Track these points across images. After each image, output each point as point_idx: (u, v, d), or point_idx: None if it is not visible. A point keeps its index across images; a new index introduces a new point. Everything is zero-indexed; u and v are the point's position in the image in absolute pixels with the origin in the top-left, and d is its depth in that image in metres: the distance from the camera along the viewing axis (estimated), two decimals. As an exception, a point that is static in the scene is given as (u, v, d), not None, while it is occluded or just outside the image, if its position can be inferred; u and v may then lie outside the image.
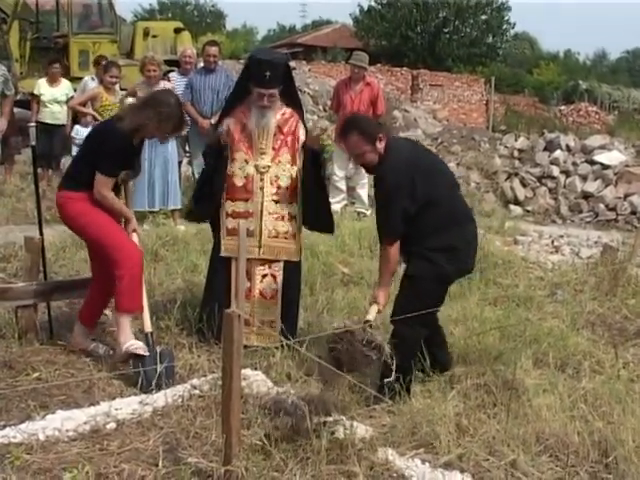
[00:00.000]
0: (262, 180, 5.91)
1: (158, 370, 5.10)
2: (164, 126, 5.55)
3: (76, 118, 12.63)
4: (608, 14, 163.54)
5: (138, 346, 5.36)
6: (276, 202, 5.93)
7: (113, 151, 5.45)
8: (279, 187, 5.94)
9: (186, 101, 10.54)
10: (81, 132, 12.31)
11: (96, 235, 5.55)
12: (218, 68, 10.92)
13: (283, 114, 5.99)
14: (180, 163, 11.27)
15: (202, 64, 11.36)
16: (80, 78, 14.40)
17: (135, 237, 5.71)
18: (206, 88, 10.66)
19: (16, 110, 13.02)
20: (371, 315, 5.12)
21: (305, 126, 6.18)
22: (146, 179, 10.07)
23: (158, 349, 5.41)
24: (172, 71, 12.21)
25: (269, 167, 5.91)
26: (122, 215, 5.72)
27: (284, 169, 5.93)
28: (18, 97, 13.29)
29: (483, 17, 45.51)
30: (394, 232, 5.14)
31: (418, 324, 5.06)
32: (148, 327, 5.51)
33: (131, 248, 5.54)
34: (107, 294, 5.75)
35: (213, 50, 10.86)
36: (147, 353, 5.31)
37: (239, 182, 5.92)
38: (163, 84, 10.37)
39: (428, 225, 5.12)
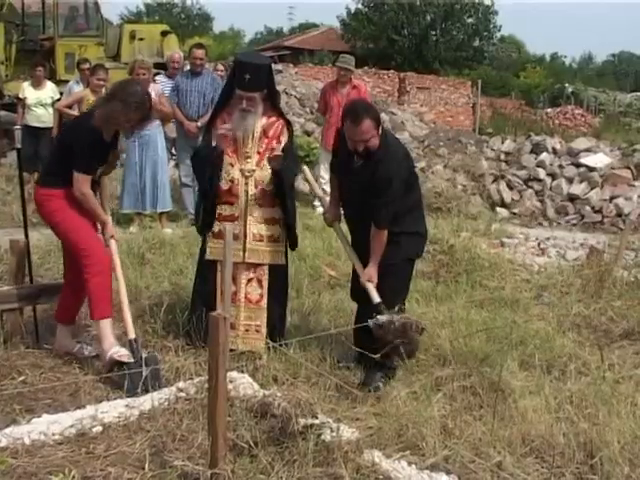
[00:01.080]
0: (247, 184, 5.90)
1: (143, 375, 5.09)
2: (132, 116, 5.49)
3: (62, 121, 12.61)
4: (594, 18, 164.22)
5: (122, 353, 5.35)
6: (260, 205, 5.92)
7: (85, 147, 5.41)
8: (263, 190, 5.92)
9: (172, 103, 10.54)
10: (67, 135, 12.26)
11: (67, 235, 5.57)
12: (204, 71, 10.93)
13: (269, 117, 5.98)
14: None
15: (188, 67, 11.37)
16: (66, 81, 14.39)
17: (113, 244, 5.70)
18: (192, 91, 10.64)
19: (2, 113, 12.98)
20: (376, 295, 5.35)
21: (291, 131, 6.17)
22: (137, 181, 10.08)
23: (144, 354, 5.39)
24: (159, 74, 12.17)
25: (254, 171, 5.90)
26: (98, 220, 5.68)
27: (268, 173, 5.92)
28: (4, 100, 13.23)
29: (470, 20, 45.61)
30: (390, 216, 5.37)
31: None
32: (132, 333, 5.49)
33: (99, 252, 5.52)
34: (80, 291, 5.71)
35: (199, 53, 10.85)
36: (131, 360, 5.30)
37: (224, 185, 5.91)
38: (152, 87, 10.34)
39: (406, 207, 5.52)
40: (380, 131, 5.36)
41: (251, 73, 5.71)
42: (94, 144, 5.44)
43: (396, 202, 5.37)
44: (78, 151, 5.40)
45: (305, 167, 5.93)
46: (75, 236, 5.51)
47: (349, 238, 5.83)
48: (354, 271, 5.86)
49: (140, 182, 10.15)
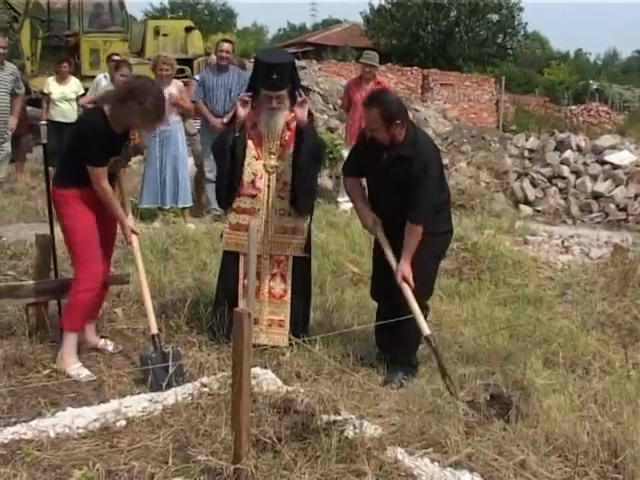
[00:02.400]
0: (269, 179, 5.92)
1: (167, 370, 5.12)
2: (146, 118, 5.46)
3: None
4: (619, 14, 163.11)
5: (83, 375, 5.37)
6: (282, 198, 5.93)
7: (94, 140, 5.35)
8: (285, 183, 5.93)
9: (198, 100, 10.55)
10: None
11: (72, 243, 5.55)
12: (231, 66, 10.87)
13: (291, 111, 5.99)
14: None
15: (214, 58, 11.35)
16: (91, 77, 14.47)
17: (135, 239, 5.68)
18: (218, 86, 10.61)
19: (28, 109, 13.06)
20: (426, 327, 5.36)
21: (312, 118, 6.15)
22: (157, 176, 10.10)
23: (170, 349, 5.41)
24: (183, 70, 12.21)
25: (277, 167, 5.91)
26: (114, 216, 5.63)
27: (289, 164, 5.92)
28: (30, 96, 13.31)
29: (495, 17, 45.40)
30: (427, 211, 5.37)
31: None
32: (154, 329, 5.52)
33: (95, 274, 5.50)
34: (105, 285, 5.77)
35: (226, 46, 10.80)
36: (92, 378, 5.33)
37: (247, 178, 5.91)
38: (174, 83, 10.38)
39: (435, 206, 5.50)
40: (397, 131, 5.31)
41: (278, 72, 5.70)
42: (103, 137, 5.38)
43: (433, 197, 5.36)
44: (88, 145, 5.35)
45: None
46: (76, 246, 5.50)
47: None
48: (375, 270, 5.86)
49: (160, 177, 10.17)
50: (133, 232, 5.68)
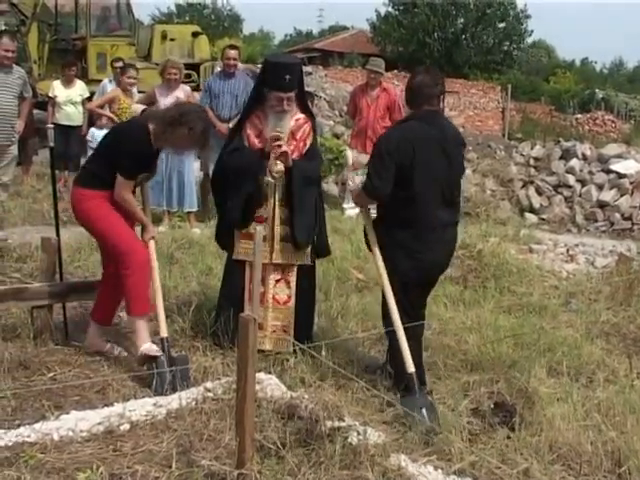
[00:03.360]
0: (276, 186, 5.92)
1: (171, 374, 5.13)
2: (195, 143, 5.64)
3: (92, 120, 12.72)
4: (625, 23, 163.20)
5: (152, 349, 5.39)
6: (287, 206, 5.93)
7: (134, 154, 5.47)
8: (289, 192, 5.93)
9: (205, 105, 10.55)
10: (96, 135, 12.38)
11: (104, 233, 5.59)
12: (237, 73, 10.86)
13: (297, 120, 5.99)
14: None
15: (219, 68, 11.39)
16: (98, 80, 14.52)
17: (152, 244, 5.73)
18: (225, 92, 10.60)
19: (35, 112, 13.09)
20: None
21: (315, 133, 6.18)
22: (163, 179, 10.12)
23: (174, 354, 5.43)
24: (190, 75, 12.23)
25: (283, 172, 5.91)
26: (139, 221, 5.74)
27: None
28: (37, 99, 13.34)
29: (501, 25, 45.41)
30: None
31: None
32: (164, 332, 5.53)
33: (138, 249, 5.56)
34: (119, 291, 5.74)
35: (233, 53, 10.81)
36: (160, 354, 5.35)
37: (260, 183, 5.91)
38: (182, 88, 10.42)
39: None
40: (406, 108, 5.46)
41: (290, 73, 5.73)
42: (142, 152, 5.51)
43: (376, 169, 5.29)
44: (126, 157, 5.45)
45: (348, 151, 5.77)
46: (112, 234, 5.54)
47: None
48: None
49: (166, 181, 10.20)
50: (152, 237, 5.77)
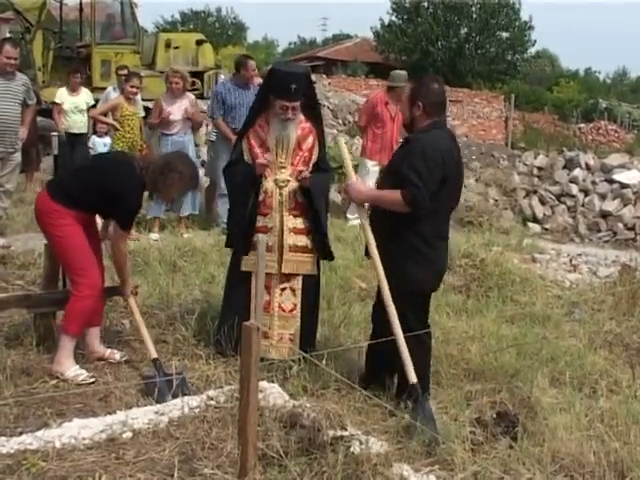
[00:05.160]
0: (281, 195, 5.91)
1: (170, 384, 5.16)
2: (187, 185, 5.75)
3: (95, 128, 12.76)
4: (629, 33, 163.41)
5: (83, 377, 5.45)
6: (295, 216, 5.93)
7: (132, 206, 5.61)
8: (297, 202, 5.94)
9: (218, 117, 10.49)
10: (97, 143, 12.42)
11: (67, 252, 5.55)
12: (251, 85, 10.66)
13: (303, 129, 5.99)
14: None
15: (222, 77, 11.35)
16: (102, 88, 14.54)
17: (132, 300, 5.85)
18: (241, 105, 10.44)
19: (39, 119, 13.11)
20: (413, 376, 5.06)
21: (323, 143, 6.18)
22: None
23: (169, 371, 5.42)
24: (194, 83, 12.21)
25: (288, 181, 5.91)
26: (121, 277, 5.82)
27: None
28: (41, 106, 13.37)
29: (505, 35, 45.49)
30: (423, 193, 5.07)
31: None
32: (153, 354, 5.59)
33: (95, 278, 5.59)
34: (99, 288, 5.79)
35: (253, 64, 10.68)
36: (91, 380, 5.42)
37: (259, 197, 5.93)
38: (186, 96, 10.44)
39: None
40: (418, 113, 5.22)
41: (297, 82, 5.73)
42: (140, 206, 5.74)
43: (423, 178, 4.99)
44: (126, 210, 5.56)
45: (340, 139, 5.68)
46: (74, 254, 5.53)
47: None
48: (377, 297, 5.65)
49: None
50: (133, 293, 5.90)
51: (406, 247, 5.14)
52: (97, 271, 5.62)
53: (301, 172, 5.90)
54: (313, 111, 6.11)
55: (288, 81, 5.71)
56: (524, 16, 46.29)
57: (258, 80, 10.52)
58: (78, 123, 12.99)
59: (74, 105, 13.01)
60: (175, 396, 5.06)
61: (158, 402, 5.05)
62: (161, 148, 10.25)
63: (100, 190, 5.48)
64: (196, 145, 11.48)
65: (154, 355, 5.57)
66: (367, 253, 5.40)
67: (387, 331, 5.08)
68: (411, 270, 5.16)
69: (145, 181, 5.55)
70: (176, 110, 10.29)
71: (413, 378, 4.95)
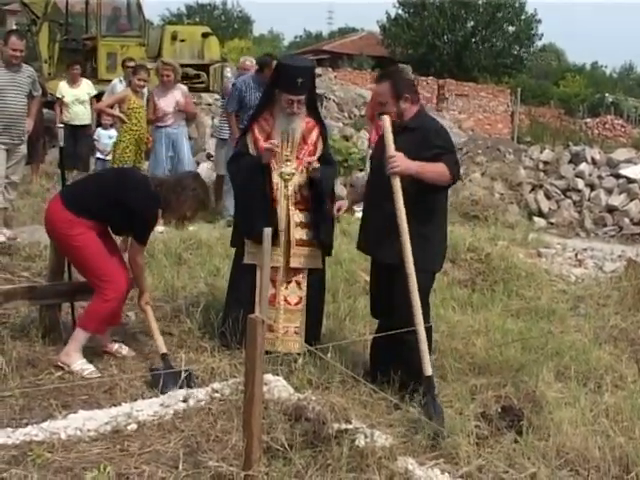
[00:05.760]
0: (286, 188, 5.91)
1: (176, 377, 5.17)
2: (198, 205, 5.75)
3: (100, 120, 12.77)
4: (636, 28, 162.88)
5: (90, 371, 5.45)
6: (301, 210, 5.93)
7: (152, 222, 5.66)
8: (302, 195, 5.93)
9: (232, 112, 10.41)
10: (103, 136, 12.43)
11: (88, 259, 5.55)
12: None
13: (307, 123, 5.99)
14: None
15: (229, 69, 11.33)
16: (107, 80, 14.55)
17: (149, 309, 5.81)
18: (256, 100, 10.37)
19: (44, 111, 13.12)
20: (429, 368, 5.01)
21: (326, 136, 6.18)
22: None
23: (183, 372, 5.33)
24: (199, 76, 12.21)
25: (293, 174, 5.91)
26: (139, 287, 5.83)
27: (307, 177, 5.93)
28: (46, 98, 13.38)
29: (511, 28, 45.36)
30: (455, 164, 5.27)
31: None
32: (163, 349, 5.61)
33: (120, 280, 5.61)
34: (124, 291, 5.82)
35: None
36: (97, 375, 5.42)
37: (267, 188, 5.91)
38: (178, 87, 10.45)
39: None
40: (406, 106, 5.31)
41: (303, 76, 5.72)
42: (156, 223, 5.76)
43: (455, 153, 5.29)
44: (143, 225, 5.61)
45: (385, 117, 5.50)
46: (95, 262, 5.53)
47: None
48: (373, 286, 5.73)
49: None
50: (147, 303, 5.85)
51: (417, 231, 5.03)
52: (121, 273, 5.64)
53: (310, 164, 5.91)
54: (314, 105, 6.11)
55: (294, 75, 5.71)
56: (529, 9, 46.19)
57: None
58: (80, 115, 13.01)
59: (75, 97, 13.03)
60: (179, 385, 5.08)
61: (163, 393, 5.06)
62: (155, 140, 10.28)
63: (119, 205, 5.50)
64: (190, 138, 11.47)
65: (163, 350, 5.60)
66: (359, 247, 5.65)
67: (391, 324, 5.10)
68: (423, 252, 5.08)
69: (160, 197, 5.58)
70: (168, 102, 10.30)
71: (428, 371, 4.93)
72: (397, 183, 4.98)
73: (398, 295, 5.17)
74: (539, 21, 46.32)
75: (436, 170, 5.08)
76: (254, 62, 11.19)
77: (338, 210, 5.81)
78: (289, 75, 5.75)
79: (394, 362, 5.39)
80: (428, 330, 5.18)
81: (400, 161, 4.98)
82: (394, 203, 4.98)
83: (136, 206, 5.49)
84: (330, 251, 6.24)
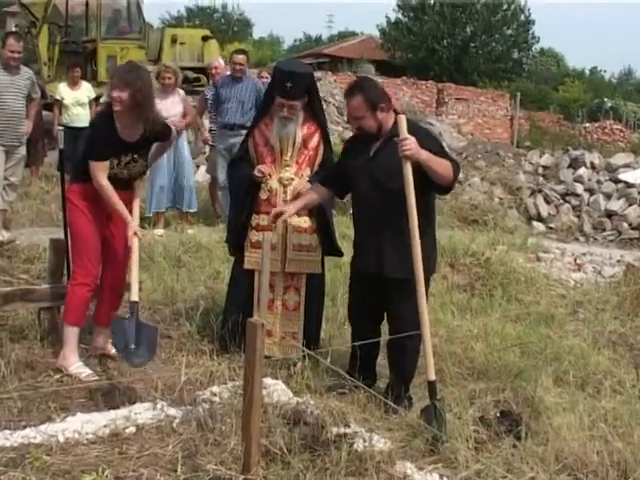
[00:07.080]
0: (285, 193, 5.91)
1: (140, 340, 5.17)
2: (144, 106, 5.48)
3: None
4: (635, 32, 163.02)
5: (86, 374, 5.46)
6: (299, 215, 5.91)
7: (95, 135, 5.57)
8: None
9: (206, 112, 10.62)
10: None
11: (72, 238, 5.67)
12: (245, 78, 10.79)
13: (309, 127, 6.00)
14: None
15: (227, 72, 11.37)
16: (107, 83, 14.53)
17: (135, 241, 5.51)
18: (232, 98, 10.53)
19: (44, 113, 13.12)
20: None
21: (328, 142, 6.18)
22: (167, 183, 10.21)
23: (144, 321, 5.42)
24: (199, 79, 12.24)
25: (292, 180, 5.91)
26: (117, 212, 5.53)
27: (306, 182, 5.93)
28: (46, 100, 13.38)
29: (509, 32, 45.36)
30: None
31: None
32: (135, 297, 5.37)
33: (91, 271, 5.57)
34: (118, 294, 5.85)
35: (239, 59, 10.74)
36: (94, 377, 5.43)
37: (263, 195, 5.92)
38: (177, 92, 10.45)
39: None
40: (383, 116, 5.19)
41: (292, 81, 5.71)
42: (105, 133, 5.46)
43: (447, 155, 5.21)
44: (89, 140, 5.56)
45: (402, 116, 5.38)
46: (74, 241, 5.63)
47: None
48: (354, 287, 5.65)
49: (169, 184, 10.30)
50: (135, 234, 5.53)
51: (420, 228, 4.90)
52: (92, 264, 5.57)
53: (311, 161, 6.00)
54: (316, 111, 6.11)
55: (283, 79, 5.72)
56: (524, 10, 46.05)
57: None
58: (80, 117, 12.99)
59: (75, 99, 13.02)
60: (138, 343, 5.08)
61: (116, 346, 5.17)
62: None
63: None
64: (188, 142, 11.51)
65: (135, 298, 5.37)
66: (362, 268, 5.50)
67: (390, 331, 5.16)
68: (426, 252, 4.97)
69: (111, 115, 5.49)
70: (168, 106, 10.30)
71: (432, 375, 4.89)
72: (408, 167, 4.86)
73: (396, 303, 5.23)
74: (532, 22, 46.14)
75: (443, 164, 5.02)
76: (222, 62, 11.97)
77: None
78: (279, 79, 5.79)
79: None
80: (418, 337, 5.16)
81: (414, 144, 4.84)
82: (389, 212, 5.04)
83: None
84: (338, 252, 6.30)
